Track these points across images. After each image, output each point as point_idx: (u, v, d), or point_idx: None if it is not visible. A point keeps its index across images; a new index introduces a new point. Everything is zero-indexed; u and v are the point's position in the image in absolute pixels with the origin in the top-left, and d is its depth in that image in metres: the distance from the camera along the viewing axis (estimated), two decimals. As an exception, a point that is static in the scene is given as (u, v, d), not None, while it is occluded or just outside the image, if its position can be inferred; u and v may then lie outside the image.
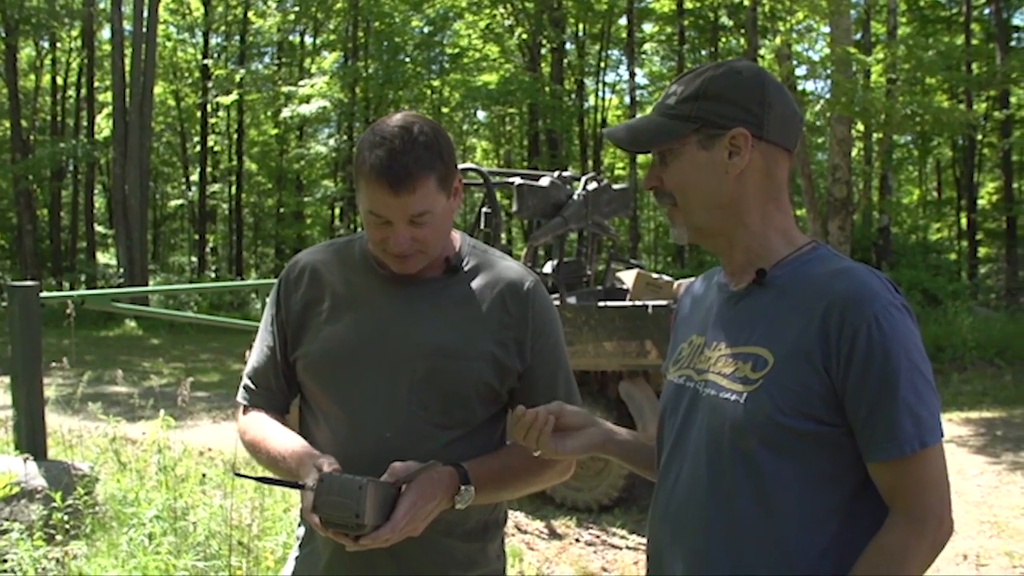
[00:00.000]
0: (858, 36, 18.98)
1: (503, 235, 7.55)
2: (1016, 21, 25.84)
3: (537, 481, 2.09)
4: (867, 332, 1.51)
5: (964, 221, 27.24)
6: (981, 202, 27.28)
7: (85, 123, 30.44)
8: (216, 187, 32.69)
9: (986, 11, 24.52)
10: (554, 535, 6.20)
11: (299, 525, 2.12)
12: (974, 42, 23.47)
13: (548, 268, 8.02)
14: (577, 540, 6.11)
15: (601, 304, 6.73)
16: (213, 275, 29.91)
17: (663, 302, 6.49)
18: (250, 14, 29.38)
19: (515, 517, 6.50)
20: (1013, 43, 23.78)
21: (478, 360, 1.96)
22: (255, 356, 2.10)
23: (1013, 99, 23.92)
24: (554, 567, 5.63)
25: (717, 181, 1.67)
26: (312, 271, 2.05)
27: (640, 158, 27.97)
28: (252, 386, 2.09)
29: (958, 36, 24.10)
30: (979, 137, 24.82)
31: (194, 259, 32.50)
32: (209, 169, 31.94)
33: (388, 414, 1.92)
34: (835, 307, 1.54)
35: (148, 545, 4.45)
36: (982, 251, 26.52)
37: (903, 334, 1.53)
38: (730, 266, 1.75)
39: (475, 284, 2.02)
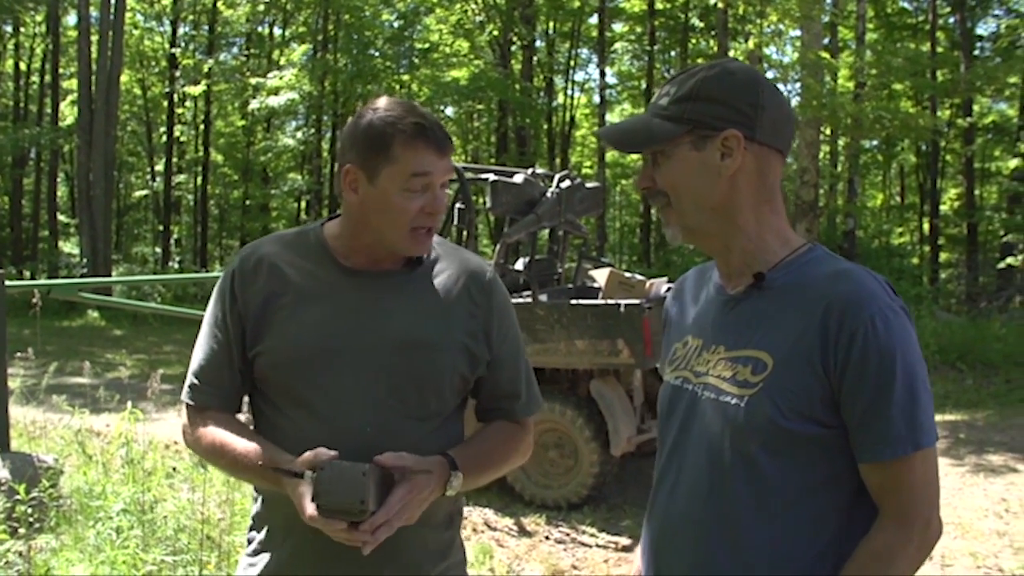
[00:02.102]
0: (826, 41, 19.16)
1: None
2: (979, 30, 26.21)
3: (506, 464, 2.11)
4: (864, 334, 1.52)
5: (927, 226, 27.59)
6: (943, 208, 27.62)
7: (49, 110, 30.03)
8: (181, 178, 32.34)
9: (951, 20, 24.83)
10: (524, 533, 6.19)
11: (251, 528, 2.04)
12: (939, 50, 23.76)
13: (520, 265, 8.01)
14: (547, 538, 6.10)
15: (573, 302, 6.73)
16: (177, 266, 29.64)
17: (635, 301, 6.50)
18: (219, 4, 29.09)
19: (484, 514, 6.50)
20: (976, 52, 24.12)
21: (452, 351, 1.97)
22: (203, 352, 2.01)
23: (976, 107, 24.25)
24: (524, 565, 5.62)
25: (709, 182, 1.66)
26: (270, 263, 1.98)
27: (608, 157, 28.07)
28: (201, 384, 2.00)
29: (924, 43, 24.39)
30: (942, 144, 25.13)
31: (158, 250, 32.12)
32: (175, 159, 31.60)
33: (367, 409, 1.90)
34: (834, 309, 1.54)
35: (116, 539, 4.38)
36: (943, 256, 26.86)
37: (900, 336, 1.54)
38: (726, 268, 1.75)
39: (439, 275, 2.02)
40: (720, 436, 1.63)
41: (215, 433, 1.94)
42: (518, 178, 7.23)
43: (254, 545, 2.01)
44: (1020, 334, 13.60)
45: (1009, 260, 21.08)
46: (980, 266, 23.67)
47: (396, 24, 27.25)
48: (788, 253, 1.69)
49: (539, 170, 8.25)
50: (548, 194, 7.30)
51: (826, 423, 1.56)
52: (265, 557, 1.99)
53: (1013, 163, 23.42)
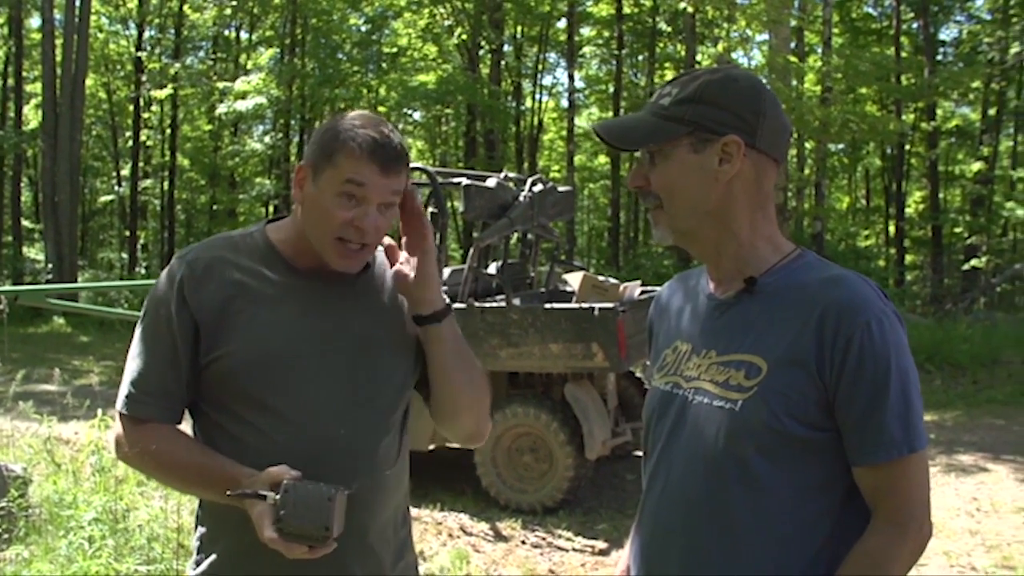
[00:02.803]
0: (792, 45, 19.34)
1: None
2: (942, 35, 26.59)
3: (476, 384, 2.04)
4: (860, 338, 1.53)
5: (892, 229, 27.92)
6: (908, 211, 27.96)
7: (12, 114, 29.62)
8: (148, 183, 32.00)
9: (914, 25, 25.14)
10: (500, 537, 6.18)
11: (198, 551, 1.97)
12: (903, 55, 24.05)
13: (493, 269, 8.00)
14: (523, 542, 6.09)
15: (548, 306, 6.73)
16: (144, 272, 29.31)
17: (609, 305, 6.51)
18: (186, 7, 28.83)
19: (460, 519, 6.48)
20: (939, 57, 24.45)
21: (408, 349, 1.98)
22: (142, 361, 1.90)
23: (939, 111, 24.57)
24: (501, 569, 5.61)
25: (705, 186, 1.66)
26: (221, 266, 1.91)
27: (577, 161, 28.12)
28: (140, 394, 1.89)
29: (888, 48, 24.67)
30: (907, 147, 25.45)
31: (124, 255, 31.80)
32: (141, 164, 31.25)
33: (339, 411, 1.88)
34: (830, 314, 1.56)
35: (88, 549, 4.32)
36: (909, 258, 27.20)
37: (894, 341, 1.57)
38: (717, 273, 1.75)
39: (382, 276, 2.02)
40: (714, 440, 1.63)
41: (162, 446, 1.87)
42: (491, 182, 7.22)
43: (206, 567, 1.93)
44: (986, 335, 13.78)
45: (973, 262, 21.43)
46: (945, 268, 23.99)
47: (364, 28, 27.17)
48: (779, 259, 1.70)
49: (511, 174, 8.24)
50: (521, 198, 7.29)
51: (820, 426, 1.57)
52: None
53: (976, 166, 23.85)
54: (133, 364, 1.92)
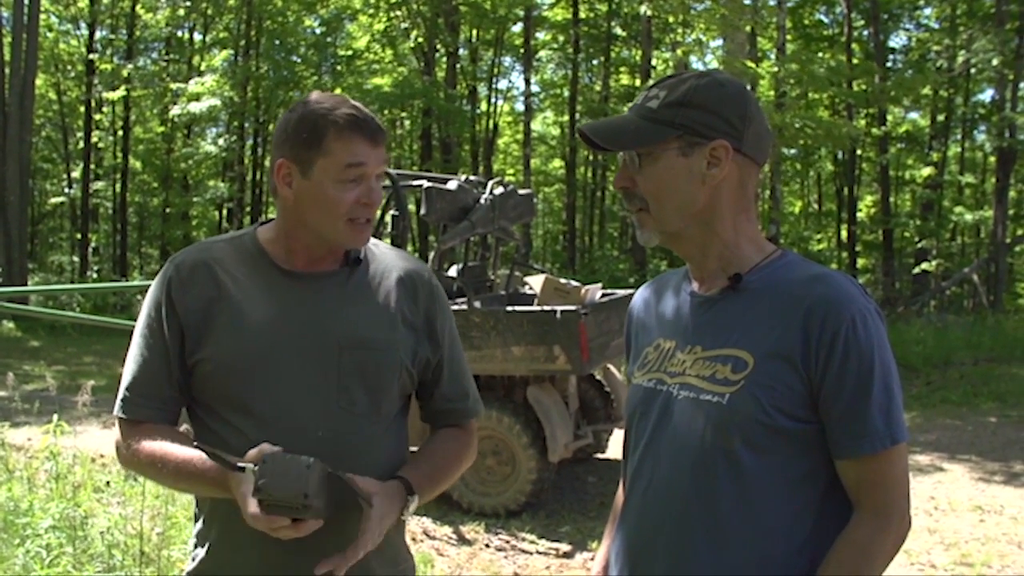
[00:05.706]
0: (746, 50, 19.51)
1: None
2: (892, 43, 27.01)
3: (456, 474, 2.09)
4: (845, 333, 1.57)
5: (844, 233, 28.30)
6: (860, 215, 28.37)
7: (-42, 114, 29.04)
8: (99, 185, 31.52)
9: (864, 32, 25.52)
10: (463, 541, 6.15)
11: (195, 546, 1.98)
12: (854, 61, 24.40)
13: (453, 272, 7.97)
14: (487, 545, 6.07)
15: (510, 309, 6.72)
16: (95, 275, 28.88)
17: (571, 307, 6.51)
18: (138, 7, 28.44)
19: (423, 523, 6.44)
20: (889, 64, 24.86)
21: (397, 350, 1.96)
22: (136, 364, 1.93)
23: (889, 117, 24.96)
24: (465, 573, 5.59)
25: (693, 189, 1.69)
26: (206, 268, 1.93)
27: (533, 164, 28.15)
28: (135, 397, 1.92)
29: (840, 54, 25.02)
30: (859, 152, 25.83)
31: (75, 259, 31.29)
32: (92, 166, 30.77)
33: (319, 413, 1.87)
34: (817, 309, 1.59)
35: (45, 558, 4.23)
36: (861, 262, 27.58)
37: (877, 337, 1.60)
38: (700, 272, 1.78)
39: (377, 275, 2.01)
40: (701, 434, 1.65)
41: (154, 445, 1.86)
42: (452, 184, 7.20)
43: (196, 564, 1.95)
44: (938, 337, 14.01)
45: (924, 265, 21.77)
46: (896, 271, 24.36)
47: (319, 30, 27.01)
48: (762, 258, 1.73)
49: (472, 177, 8.23)
50: (482, 200, 7.28)
51: (805, 419, 1.60)
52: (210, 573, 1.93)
53: (925, 171, 24.23)
54: (128, 366, 1.95)
